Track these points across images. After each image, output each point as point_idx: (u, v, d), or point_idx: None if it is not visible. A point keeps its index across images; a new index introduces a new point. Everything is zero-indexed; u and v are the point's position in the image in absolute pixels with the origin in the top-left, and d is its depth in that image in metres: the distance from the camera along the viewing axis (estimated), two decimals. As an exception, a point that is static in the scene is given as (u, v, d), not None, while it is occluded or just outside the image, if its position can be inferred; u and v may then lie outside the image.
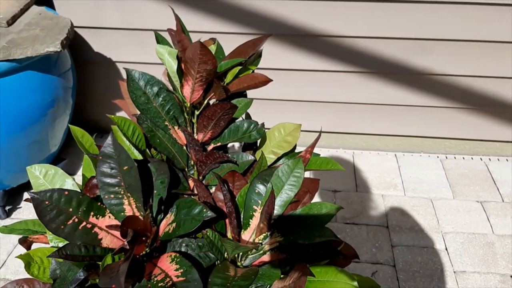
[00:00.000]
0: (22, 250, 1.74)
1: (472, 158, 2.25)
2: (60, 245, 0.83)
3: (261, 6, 1.85)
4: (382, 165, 2.19)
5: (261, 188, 0.85)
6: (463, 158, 2.26)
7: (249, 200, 0.84)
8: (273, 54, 1.96)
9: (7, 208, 1.90)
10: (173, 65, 0.83)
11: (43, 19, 1.76)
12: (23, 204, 1.95)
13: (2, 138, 1.64)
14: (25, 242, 0.97)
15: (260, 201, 0.84)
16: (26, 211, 1.91)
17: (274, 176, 0.84)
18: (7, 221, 1.87)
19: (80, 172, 2.12)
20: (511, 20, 1.81)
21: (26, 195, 1.99)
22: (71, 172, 2.10)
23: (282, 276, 0.76)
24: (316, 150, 2.01)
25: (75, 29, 1.94)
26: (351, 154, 2.27)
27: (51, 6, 1.95)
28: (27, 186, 1.98)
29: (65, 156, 2.15)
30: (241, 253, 0.80)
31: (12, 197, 1.95)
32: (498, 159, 2.24)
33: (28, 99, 1.66)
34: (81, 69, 2.11)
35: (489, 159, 2.24)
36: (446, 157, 2.26)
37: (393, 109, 2.13)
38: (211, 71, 0.81)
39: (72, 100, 1.93)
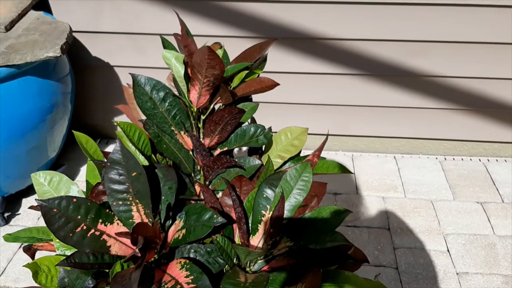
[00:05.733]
0: (21, 257, 1.72)
1: (471, 159, 2.26)
2: (67, 253, 0.82)
3: (259, 9, 1.85)
4: (381, 167, 2.19)
5: (269, 192, 0.84)
6: (462, 159, 2.26)
7: (257, 205, 0.83)
8: (270, 57, 1.95)
9: (6, 214, 1.88)
10: (180, 70, 0.82)
11: (42, 24, 1.75)
12: (22, 210, 1.93)
13: (1, 144, 1.63)
14: (29, 250, 0.96)
15: (268, 206, 0.83)
16: (25, 218, 1.90)
17: (282, 180, 0.84)
18: (6, 228, 1.85)
19: (78, 178, 2.11)
20: (508, 21, 1.82)
21: (24, 201, 1.97)
22: (70, 178, 2.08)
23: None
24: (316, 153, 2.00)
25: (73, 33, 1.93)
26: (351, 156, 2.27)
27: (48, 10, 1.94)
28: (26, 192, 1.96)
29: (63, 161, 2.14)
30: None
31: (11, 203, 1.94)
32: (497, 160, 2.24)
33: (27, 105, 1.65)
34: (80, 74, 2.10)
35: (488, 160, 2.25)
36: (445, 159, 2.26)
37: (392, 111, 2.13)
38: (219, 76, 0.81)
39: (70, 105, 1.92)
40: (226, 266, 0.79)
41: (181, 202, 0.88)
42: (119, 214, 0.75)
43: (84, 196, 0.89)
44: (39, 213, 1.90)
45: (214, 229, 0.77)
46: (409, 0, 1.79)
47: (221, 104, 0.90)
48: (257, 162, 0.91)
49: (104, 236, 0.74)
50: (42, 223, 1.86)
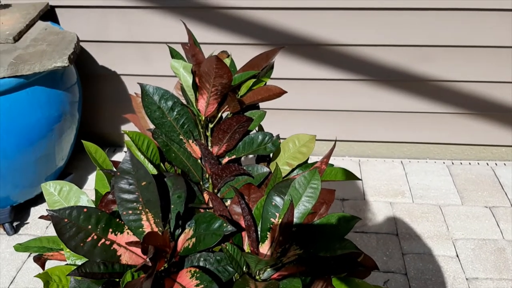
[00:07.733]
0: (30, 266, 1.73)
1: (478, 164, 2.25)
2: (78, 262, 0.83)
3: (265, 17, 1.86)
4: (389, 173, 2.19)
5: (278, 200, 0.84)
6: (469, 163, 2.25)
7: (266, 213, 0.83)
8: (277, 64, 1.96)
9: (14, 224, 1.89)
10: (189, 79, 0.83)
11: (49, 34, 1.77)
12: (30, 219, 1.94)
13: (10, 153, 1.64)
14: (40, 260, 0.96)
15: (277, 214, 0.83)
16: (33, 227, 1.90)
17: (291, 188, 0.84)
18: (15, 237, 1.86)
19: (86, 186, 2.12)
20: (514, 25, 1.82)
21: (33, 210, 1.98)
22: (78, 187, 2.09)
23: (303, 289, 0.76)
24: (323, 159, 2.00)
25: (80, 43, 1.95)
26: (357, 162, 2.27)
27: (55, 21, 1.96)
28: (34, 201, 1.97)
29: (71, 170, 2.15)
30: (260, 267, 0.80)
31: (20, 212, 1.95)
32: (505, 164, 2.23)
33: (36, 114, 1.66)
34: (87, 83, 2.11)
35: (496, 164, 2.23)
36: (453, 163, 2.25)
37: (398, 116, 2.13)
38: (226, 85, 0.81)
39: (78, 114, 1.93)
40: (236, 275, 0.79)
41: (190, 211, 0.88)
42: (129, 223, 0.76)
43: (94, 206, 0.90)
44: (47, 222, 1.91)
45: (224, 237, 0.78)
46: (415, 5, 1.79)
47: (228, 112, 0.91)
48: (265, 169, 0.91)
49: (115, 246, 0.74)
50: (50, 232, 1.87)
